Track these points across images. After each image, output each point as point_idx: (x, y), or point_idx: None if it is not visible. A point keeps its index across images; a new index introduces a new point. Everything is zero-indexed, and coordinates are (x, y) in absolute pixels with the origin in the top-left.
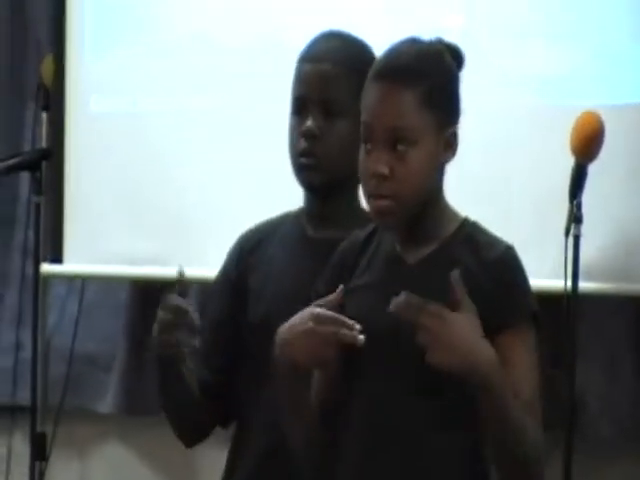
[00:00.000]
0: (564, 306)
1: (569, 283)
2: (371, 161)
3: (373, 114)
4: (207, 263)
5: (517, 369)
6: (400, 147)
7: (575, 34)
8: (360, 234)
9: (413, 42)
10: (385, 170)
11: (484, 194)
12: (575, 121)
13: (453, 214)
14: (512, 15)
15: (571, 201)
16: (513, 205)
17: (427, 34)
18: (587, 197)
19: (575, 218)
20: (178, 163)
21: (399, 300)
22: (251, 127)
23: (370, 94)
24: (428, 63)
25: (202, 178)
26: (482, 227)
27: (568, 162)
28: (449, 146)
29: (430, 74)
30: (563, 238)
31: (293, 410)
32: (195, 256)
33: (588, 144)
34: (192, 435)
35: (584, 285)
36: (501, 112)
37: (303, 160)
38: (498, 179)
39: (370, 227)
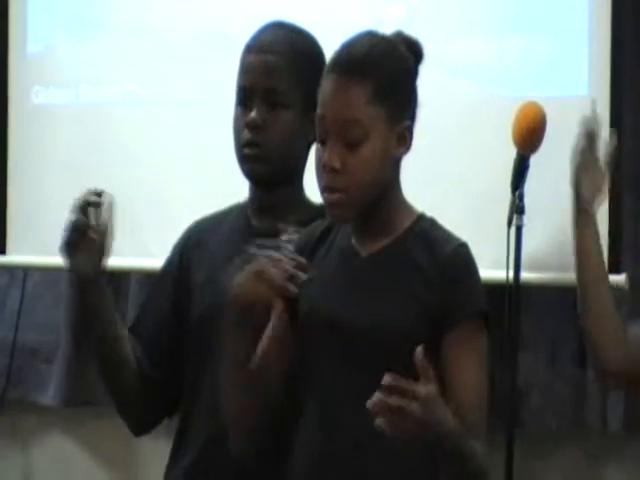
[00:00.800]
0: (506, 297)
1: (511, 274)
2: (324, 154)
3: (326, 107)
4: (151, 255)
5: (464, 370)
6: (351, 141)
7: (520, 26)
8: (318, 226)
9: (368, 35)
10: (337, 164)
11: (427, 184)
12: (517, 112)
13: (409, 209)
14: (455, 5)
15: (513, 192)
16: (456, 196)
17: (368, 26)
18: (530, 188)
19: (517, 209)
20: (122, 155)
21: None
22: (199, 117)
23: (324, 87)
24: (380, 57)
25: (147, 169)
26: (438, 224)
27: (511, 153)
28: (403, 141)
29: (381, 68)
30: (505, 229)
31: (234, 370)
32: (139, 248)
33: (530, 135)
34: (136, 411)
35: (526, 276)
36: (444, 103)
37: (246, 151)
38: (441, 170)
39: (327, 220)
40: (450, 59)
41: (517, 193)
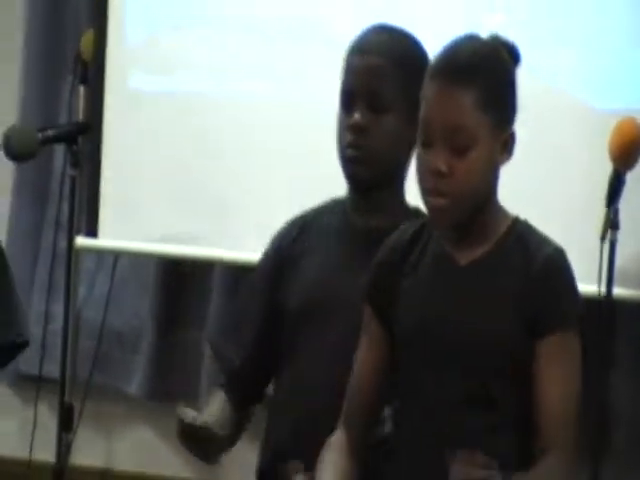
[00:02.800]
0: (597, 312)
1: (603, 288)
2: (430, 158)
3: (432, 112)
4: (242, 247)
5: (556, 381)
6: (459, 146)
7: (618, 36)
8: (407, 230)
9: (470, 39)
10: (444, 168)
11: (521, 194)
12: (614, 127)
13: (504, 213)
14: (552, 14)
15: (608, 207)
16: (551, 209)
17: (465, 31)
18: (623, 203)
19: (612, 224)
20: (219, 145)
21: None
22: (297, 115)
23: (429, 91)
24: (485, 62)
25: (244, 162)
26: (533, 227)
27: (607, 168)
28: (506, 147)
29: (487, 73)
30: (598, 244)
31: None
32: (230, 239)
33: (627, 151)
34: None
35: (619, 291)
36: (539, 113)
37: (350, 152)
38: (536, 180)
39: (417, 223)
40: (547, 68)
41: (612, 208)
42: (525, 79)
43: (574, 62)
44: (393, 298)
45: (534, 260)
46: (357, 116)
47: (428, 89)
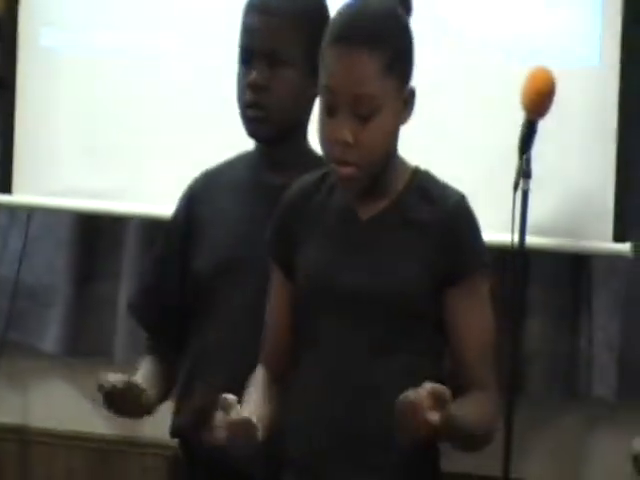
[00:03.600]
0: (510, 260)
1: (516, 237)
2: (335, 128)
3: (335, 80)
4: (157, 201)
5: (472, 324)
6: (364, 114)
7: None
8: (308, 180)
9: (370, 1)
10: (349, 137)
11: (435, 147)
12: (527, 77)
13: (404, 165)
14: None
15: (520, 156)
16: (463, 159)
17: None
18: (538, 154)
19: (524, 173)
20: (133, 101)
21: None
22: (212, 69)
23: (330, 58)
24: (389, 26)
25: (158, 117)
26: (433, 176)
27: (520, 117)
28: (407, 105)
29: (390, 37)
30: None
31: None
32: (145, 194)
33: (538, 99)
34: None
35: (532, 240)
36: (454, 67)
37: (250, 112)
38: (449, 132)
39: (319, 172)
40: (463, 26)
41: (524, 157)
42: (447, 35)
43: (491, 18)
44: (295, 248)
45: (438, 210)
46: (255, 74)
47: (329, 56)
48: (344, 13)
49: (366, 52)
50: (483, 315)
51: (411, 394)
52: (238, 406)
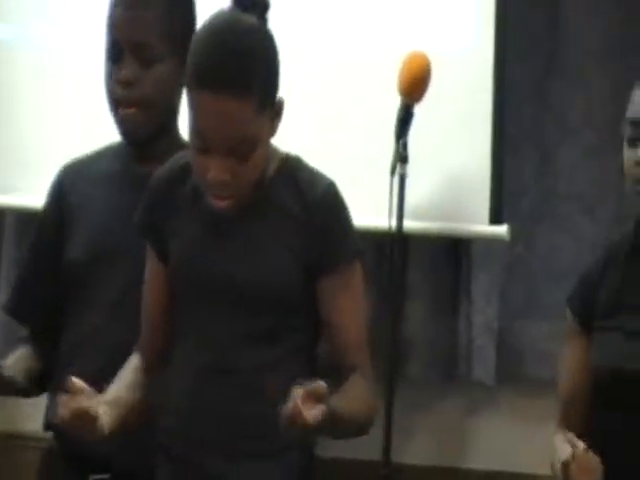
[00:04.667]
0: (389, 245)
1: (394, 222)
2: (210, 167)
3: (207, 126)
4: (34, 194)
5: (345, 313)
6: (241, 154)
7: None
8: (174, 166)
9: (230, 32)
10: (227, 178)
11: (313, 131)
12: (403, 61)
13: (275, 152)
14: None
15: (397, 140)
16: (340, 143)
17: None
18: (415, 138)
19: (401, 157)
20: (11, 91)
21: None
22: (90, 61)
23: (198, 103)
24: (256, 63)
25: (36, 108)
26: (303, 163)
27: (397, 102)
28: (278, 115)
29: (260, 76)
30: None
31: None
32: (21, 187)
33: (414, 84)
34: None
35: (410, 224)
36: (328, 51)
37: (121, 111)
38: (326, 117)
39: (184, 159)
40: (338, 10)
41: (401, 142)
42: (322, 20)
43: (366, 2)
44: (165, 233)
45: (307, 199)
46: (125, 71)
47: (196, 100)
48: (207, 52)
49: (236, 99)
50: (356, 302)
51: (288, 406)
52: (86, 393)
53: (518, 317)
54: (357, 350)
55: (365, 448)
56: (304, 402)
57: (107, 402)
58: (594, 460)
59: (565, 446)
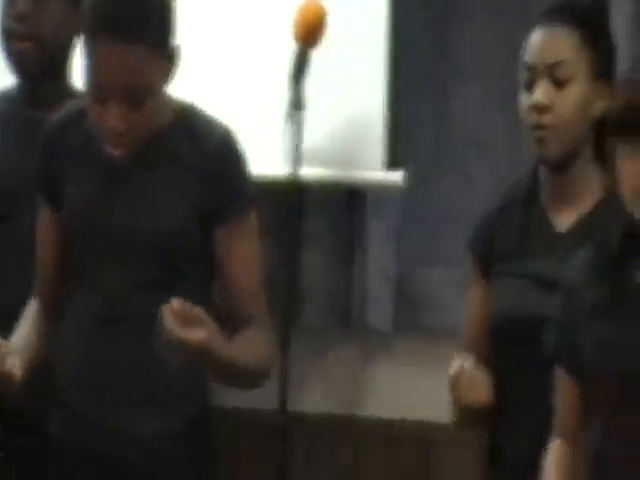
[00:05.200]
0: (285, 193)
1: (290, 169)
2: (107, 116)
3: (102, 72)
4: None
5: (241, 262)
6: (136, 101)
7: None
8: (65, 115)
9: None
10: (123, 127)
11: (210, 79)
12: (298, 7)
13: (169, 101)
14: None
15: (292, 87)
16: (237, 91)
17: None
18: (311, 85)
19: (296, 104)
20: None
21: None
22: None
23: (94, 51)
24: (150, 8)
25: None
26: (199, 111)
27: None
28: (173, 62)
29: (155, 20)
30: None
31: None
32: None
33: (309, 30)
34: None
35: (307, 172)
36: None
37: (15, 44)
38: (223, 64)
39: (75, 107)
40: None
41: (296, 88)
42: None
43: None
44: (59, 182)
45: (203, 147)
46: (20, 6)
47: (92, 44)
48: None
49: (130, 45)
50: (252, 251)
51: (160, 325)
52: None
53: (416, 263)
54: (253, 300)
55: (262, 397)
56: (183, 325)
57: (16, 350)
58: (481, 377)
59: (454, 362)
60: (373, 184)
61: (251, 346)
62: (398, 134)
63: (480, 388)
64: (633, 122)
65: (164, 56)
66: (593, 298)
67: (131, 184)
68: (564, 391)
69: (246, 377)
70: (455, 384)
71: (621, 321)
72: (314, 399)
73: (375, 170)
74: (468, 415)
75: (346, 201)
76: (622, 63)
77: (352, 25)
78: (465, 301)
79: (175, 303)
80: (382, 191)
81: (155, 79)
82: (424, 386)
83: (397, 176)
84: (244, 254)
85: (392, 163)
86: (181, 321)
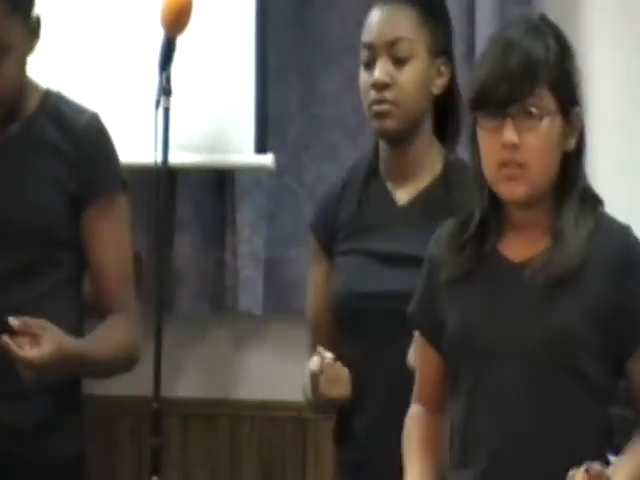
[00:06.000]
0: (156, 179)
1: (160, 155)
2: None
3: None
4: None
5: (108, 243)
6: None
7: None
8: None
9: None
10: None
11: (78, 66)
12: None
13: (35, 87)
14: None
15: (161, 73)
16: (106, 78)
17: None
18: (180, 71)
19: (164, 90)
20: None
21: None
22: None
23: None
24: None
25: None
26: (66, 97)
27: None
28: (35, 32)
29: None
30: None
31: None
32: None
33: (175, 17)
34: None
35: (177, 157)
36: None
37: None
38: (91, 51)
39: None
40: None
41: (164, 75)
42: None
43: None
44: None
45: (71, 131)
46: None
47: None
48: None
49: None
50: (121, 236)
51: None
52: None
53: (286, 247)
54: (121, 286)
55: (136, 384)
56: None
57: None
58: (342, 371)
59: (314, 358)
60: (243, 168)
61: (111, 336)
62: (267, 117)
63: (342, 382)
64: (491, 99)
65: (26, 22)
66: (454, 270)
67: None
68: (425, 360)
69: (107, 368)
70: (317, 379)
71: (482, 294)
72: (188, 384)
73: (245, 154)
74: (327, 405)
75: (217, 186)
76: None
77: (220, 11)
78: (309, 281)
79: (11, 321)
80: (252, 175)
81: (12, 38)
82: (295, 367)
83: (267, 160)
84: (112, 238)
85: (262, 147)
86: (24, 335)
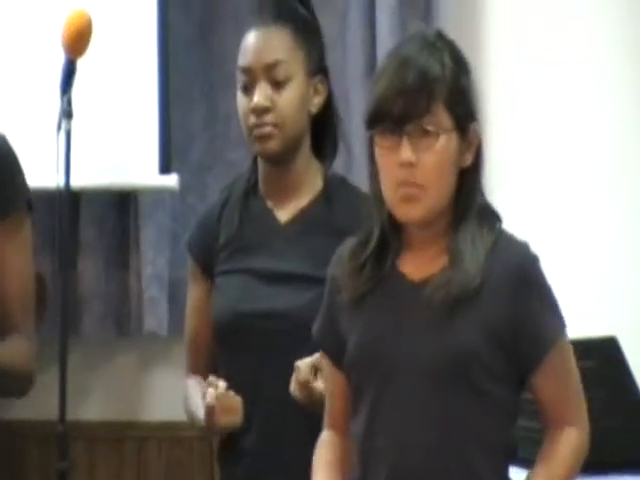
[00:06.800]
0: (58, 201)
1: (62, 179)
2: None
3: None
4: None
5: (10, 269)
6: None
7: None
8: None
9: None
10: None
11: None
12: (66, 18)
13: None
14: None
15: (62, 96)
16: (11, 101)
17: None
18: (82, 93)
19: (66, 113)
20: None
21: None
22: None
23: None
24: None
25: None
26: None
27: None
28: None
29: None
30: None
31: None
32: None
33: (75, 39)
34: None
35: (79, 180)
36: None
37: None
38: None
39: None
40: None
41: (65, 98)
42: None
43: None
44: None
45: None
46: None
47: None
48: None
49: None
50: (24, 259)
51: None
52: None
53: None
54: (21, 309)
55: (42, 408)
56: None
57: None
58: (235, 400)
59: (210, 390)
60: (147, 189)
61: (6, 352)
62: (170, 137)
63: (235, 411)
64: (387, 116)
65: None
66: (355, 290)
67: None
68: (330, 380)
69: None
70: (213, 410)
71: (382, 312)
72: (94, 407)
73: (149, 175)
74: (217, 432)
75: (120, 207)
76: None
77: (122, 33)
78: (187, 300)
79: None
80: (156, 195)
81: None
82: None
83: (171, 180)
84: (15, 260)
85: (165, 167)
86: None
